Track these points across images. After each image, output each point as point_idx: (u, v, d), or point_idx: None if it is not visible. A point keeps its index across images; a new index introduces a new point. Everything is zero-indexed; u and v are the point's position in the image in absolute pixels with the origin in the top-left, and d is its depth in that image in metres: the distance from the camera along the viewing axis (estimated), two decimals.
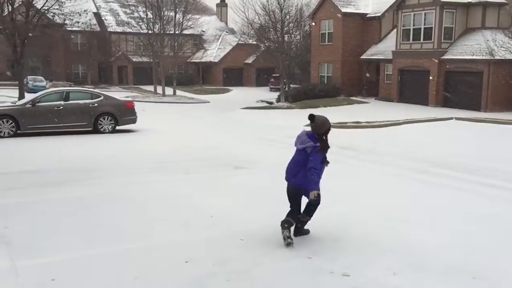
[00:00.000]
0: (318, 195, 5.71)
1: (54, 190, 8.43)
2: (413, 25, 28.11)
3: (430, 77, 27.22)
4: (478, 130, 18.12)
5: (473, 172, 10.38)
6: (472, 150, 13.49)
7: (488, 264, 5.36)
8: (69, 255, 5.47)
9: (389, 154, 12.73)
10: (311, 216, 6.07)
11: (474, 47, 25.33)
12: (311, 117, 5.72)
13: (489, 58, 24.10)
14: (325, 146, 5.73)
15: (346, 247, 5.81)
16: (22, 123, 15.32)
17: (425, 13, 27.38)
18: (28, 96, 18.91)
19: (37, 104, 15.60)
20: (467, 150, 13.46)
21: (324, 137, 5.75)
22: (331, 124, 5.93)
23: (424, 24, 27.46)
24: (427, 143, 14.88)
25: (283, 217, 6.72)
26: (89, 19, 45.20)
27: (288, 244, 5.76)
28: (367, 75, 29.68)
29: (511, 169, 10.72)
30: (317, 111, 27.19)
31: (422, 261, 5.41)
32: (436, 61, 26.74)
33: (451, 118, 20.78)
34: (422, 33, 27.63)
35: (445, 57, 26.46)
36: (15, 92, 27.78)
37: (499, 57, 23.84)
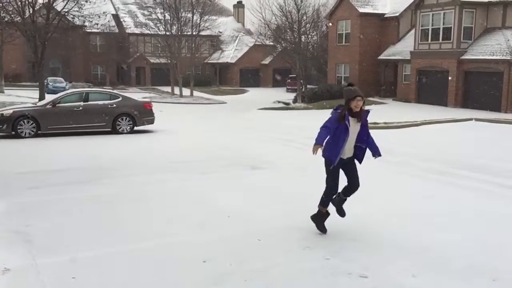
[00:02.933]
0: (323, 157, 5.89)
1: (74, 189, 8.56)
2: (432, 25, 27.81)
3: (449, 78, 26.89)
4: (499, 131, 17.84)
5: (494, 174, 10.23)
6: (493, 152, 13.29)
7: (507, 266, 5.28)
8: (89, 253, 5.55)
9: (408, 155, 12.62)
10: (324, 206, 6.13)
11: (494, 47, 24.95)
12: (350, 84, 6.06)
13: (509, 58, 23.72)
14: (342, 112, 5.82)
15: (364, 248, 5.78)
16: (43, 124, 15.56)
17: (444, 13, 27.07)
18: (49, 97, 19.22)
19: (57, 105, 15.84)
20: (487, 152, 13.26)
21: (348, 105, 5.81)
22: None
23: (443, 24, 27.15)
24: (446, 144, 14.71)
25: (300, 217, 6.76)
26: (108, 21, 45.77)
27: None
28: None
29: None
30: None
31: (441, 263, 5.36)
32: (455, 61, 26.42)
33: (471, 119, 20.49)
34: (441, 33, 27.32)
35: (464, 57, 26.12)
36: (35, 93, 28.26)
37: None
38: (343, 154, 5.90)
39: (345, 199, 6.15)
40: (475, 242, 6.04)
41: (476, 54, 25.68)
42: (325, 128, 5.82)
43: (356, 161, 6.09)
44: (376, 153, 6.13)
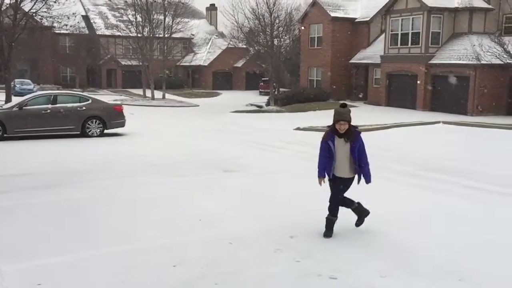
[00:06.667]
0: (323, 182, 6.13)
1: (43, 193, 8.37)
2: (401, 30, 28.35)
3: (418, 81, 27.46)
4: (465, 133, 18.30)
5: (461, 175, 10.47)
6: (460, 154, 13.61)
7: (474, 267, 5.41)
8: (56, 259, 5.43)
9: (377, 157, 12.78)
10: (330, 214, 6.33)
11: (460, 52, 25.60)
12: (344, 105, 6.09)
13: (475, 62, 24.37)
14: (326, 132, 6.08)
15: (335, 250, 5.84)
16: (9, 127, 15.16)
17: (412, 18, 27.64)
18: (15, 100, 18.74)
19: (24, 107, 15.47)
20: (454, 154, 13.58)
21: (333, 126, 6.00)
22: (337, 117, 5.95)
23: (412, 29, 27.71)
24: (415, 147, 14.99)
25: (272, 220, 6.78)
26: (78, 22, 44.92)
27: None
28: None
29: (499, 172, 10.84)
30: (307, 115, 27.44)
31: (411, 264, 5.45)
32: (424, 65, 26.99)
33: (439, 122, 20.98)
34: (409, 37, 27.87)
35: (432, 61, 26.71)
36: (1, 96, 27.52)
37: (485, 62, 24.12)
38: (336, 171, 6.09)
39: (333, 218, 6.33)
40: (445, 243, 6.17)
41: (443, 58, 26.30)
42: (320, 152, 6.08)
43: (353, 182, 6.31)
44: (367, 180, 6.26)
